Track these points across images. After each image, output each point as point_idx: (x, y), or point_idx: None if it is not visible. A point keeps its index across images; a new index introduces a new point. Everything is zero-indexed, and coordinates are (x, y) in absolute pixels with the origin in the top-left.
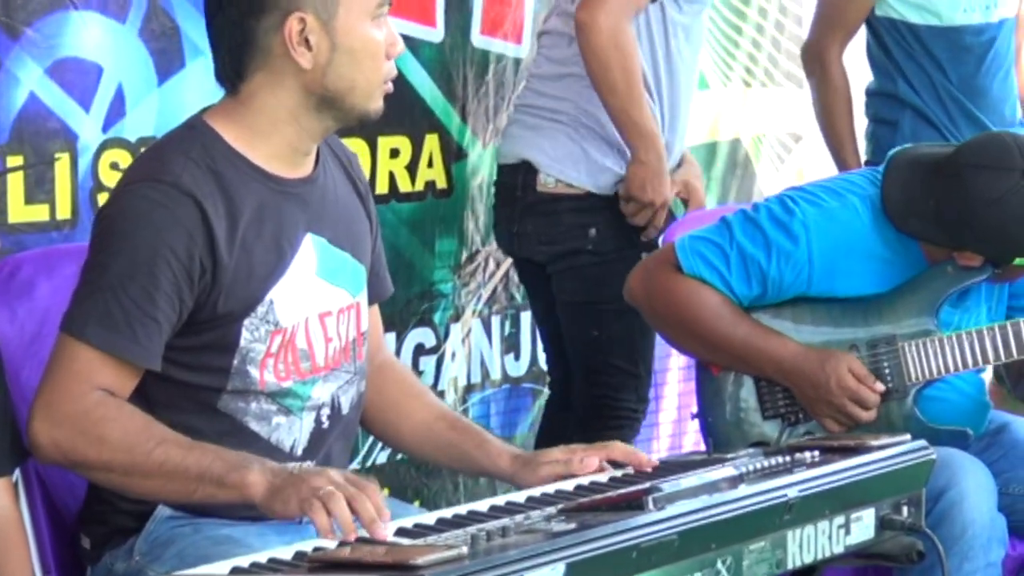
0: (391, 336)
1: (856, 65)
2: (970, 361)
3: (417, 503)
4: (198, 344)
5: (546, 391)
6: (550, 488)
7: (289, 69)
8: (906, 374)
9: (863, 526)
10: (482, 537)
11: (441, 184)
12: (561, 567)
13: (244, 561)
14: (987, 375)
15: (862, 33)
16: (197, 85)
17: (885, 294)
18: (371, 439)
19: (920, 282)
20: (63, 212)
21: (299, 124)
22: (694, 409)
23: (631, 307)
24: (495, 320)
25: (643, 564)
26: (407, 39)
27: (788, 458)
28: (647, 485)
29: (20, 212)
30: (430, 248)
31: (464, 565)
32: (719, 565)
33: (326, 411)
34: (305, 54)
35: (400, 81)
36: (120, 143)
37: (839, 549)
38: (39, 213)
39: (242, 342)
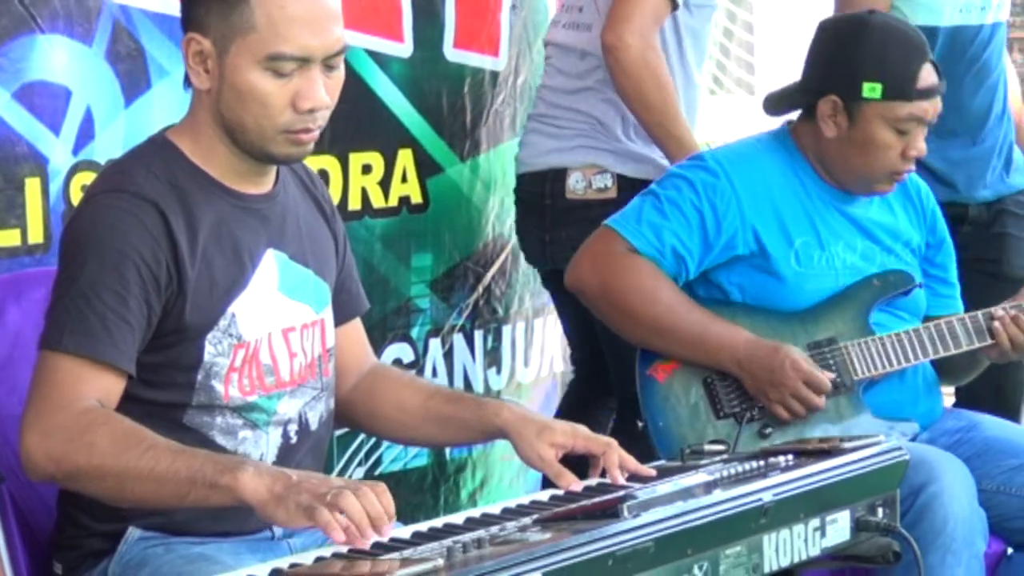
0: None
1: None
2: (911, 357)
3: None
4: (163, 360)
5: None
6: (525, 499)
7: (201, 88)
8: (852, 370)
9: (838, 528)
10: (458, 549)
11: (416, 199)
12: None
13: None
14: None
15: None
16: (163, 106)
17: (818, 305)
18: (348, 455)
19: (849, 294)
20: (35, 236)
21: (227, 147)
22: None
23: None
24: (477, 334)
25: (619, 572)
26: (374, 55)
27: (762, 462)
28: (621, 493)
29: None
30: (406, 263)
31: None
32: (696, 571)
33: (294, 427)
34: (201, 75)
35: (369, 97)
36: (90, 165)
37: (815, 552)
38: (10, 238)
39: (206, 356)
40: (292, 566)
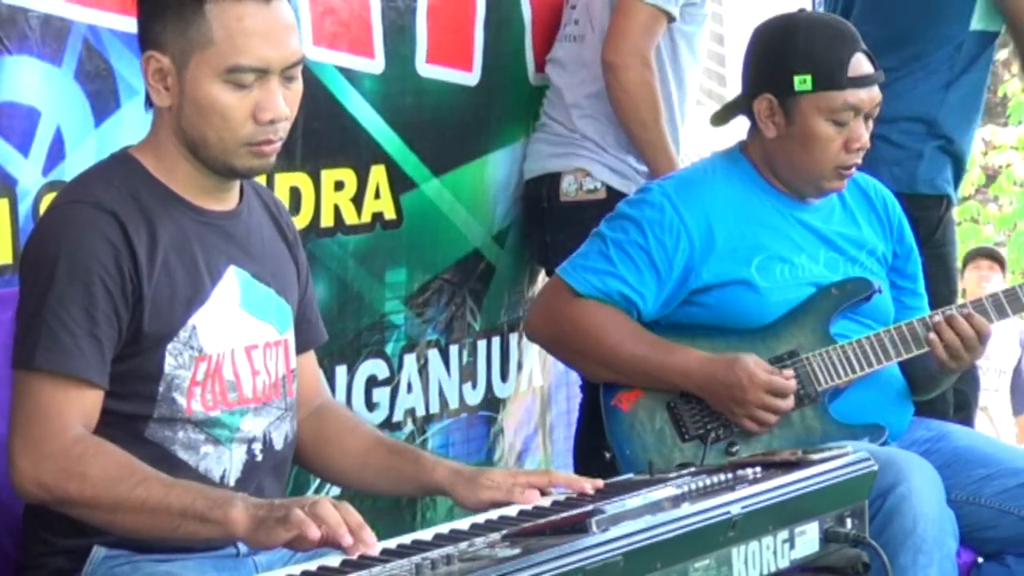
0: (342, 368)
1: None
2: (873, 361)
3: None
4: (125, 371)
5: (498, 417)
6: (493, 514)
7: (162, 105)
8: (815, 380)
9: (807, 540)
10: (427, 566)
11: (390, 215)
12: None
13: None
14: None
15: None
16: (133, 125)
17: (778, 320)
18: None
19: (808, 305)
20: (3, 257)
21: (189, 163)
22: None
23: None
24: (452, 349)
25: None
26: (345, 71)
27: (730, 475)
28: (590, 508)
29: None
30: (380, 279)
31: None
32: None
33: (258, 445)
34: (162, 92)
35: (341, 113)
36: (61, 186)
37: (784, 564)
38: None
39: (167, 368)
40: None
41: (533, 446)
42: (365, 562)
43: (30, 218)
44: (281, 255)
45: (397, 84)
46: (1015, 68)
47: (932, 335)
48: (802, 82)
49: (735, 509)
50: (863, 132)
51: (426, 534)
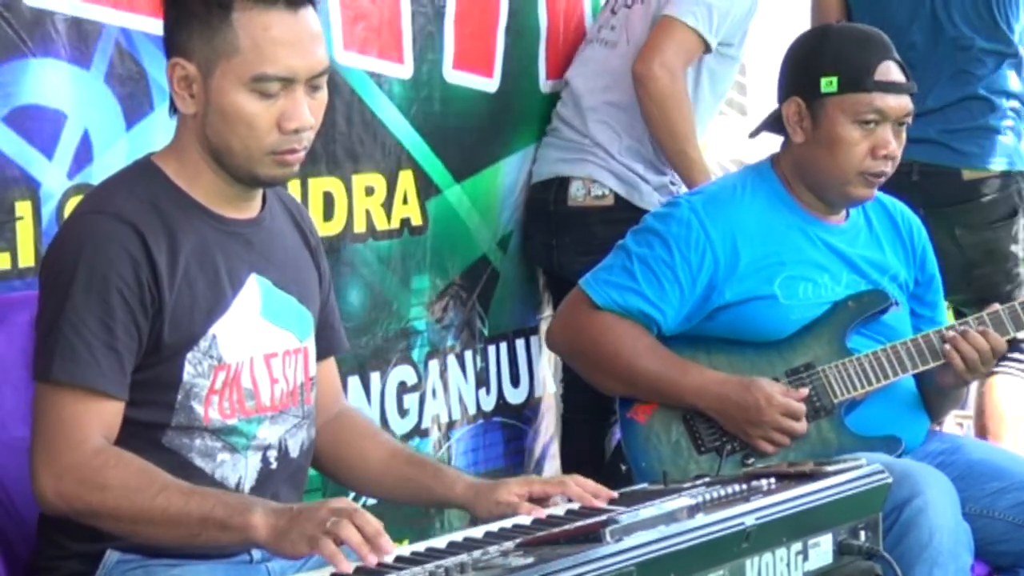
0: (375, 375)
1: None
2: (890, 373)
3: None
4: (143, 379)
5: (518, 424)
6: (507, 523)
7: (187, 112)
8: (831, 392)
9: (821, 552)
10: (440, 574)
11: (416, 221)
12: None
13: None
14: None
15: None
16: (166, 128)
17: (795, 333)
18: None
19: (825, 318)
20: (25, 260)
21: (212, 171)
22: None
23: None
24: (468, 355)
25: None
26: (376, 76)
27: (744, 486)
28: (604, 517)
29: None
30: (407, 285)
31: None
32: None
33: (273, 452)
34: (187, 100)
35: (371, 118)
36: (87, 189)
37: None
38: (1, 261)
39: (185, 376)
40: None
41: (550, 453)
42: (379, 570)
43: (54, 221)
44: (303, 262)
45: (424, 90)
46: None
47: (948, 347)
48: (828, 83)
49: (749, 520)
50: (890, 139)
51: (440, 542)
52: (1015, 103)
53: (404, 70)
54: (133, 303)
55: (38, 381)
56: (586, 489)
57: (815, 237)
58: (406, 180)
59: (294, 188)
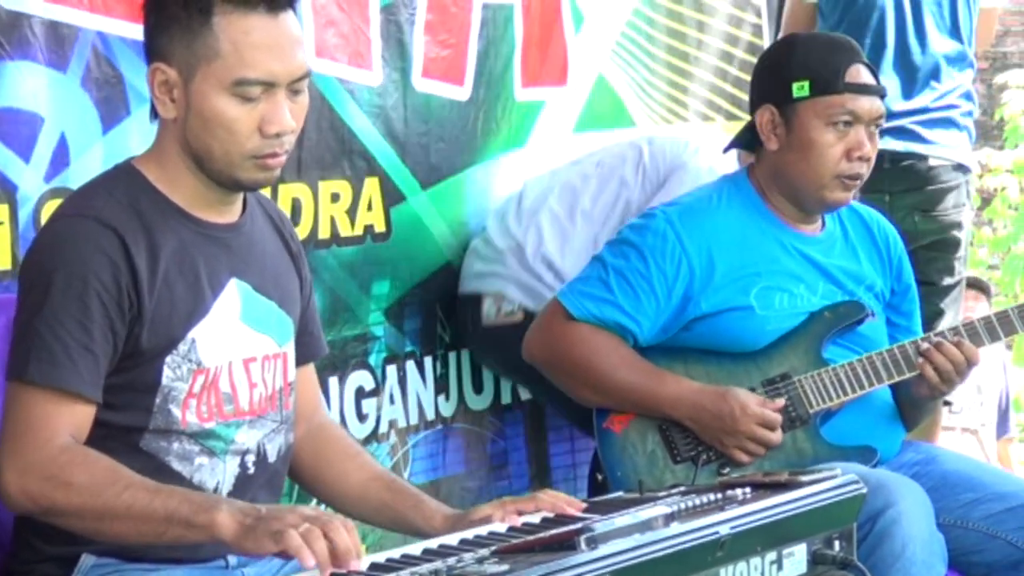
0: (334, 379)
1: None
2: (865, 383)
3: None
4: (122, 382)
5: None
6: (483, 530)
7: (168, 117)
8: (807, 403)
9: (795, 561)
10: None
11: (380, 228)
12: None
13: None
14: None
15: None
16: (142, 132)
17: (771, 344)
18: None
19: (801, 329)
20: (1, 263)
21: (193, 175)
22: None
23: None
24: (427, 361)
25: None
26: (345, 83)
27: (719, 495)
28: (579, 525)
29: None
30: (367, 291)
31: None
32: None
33: (251, 457)
34: (167, 104)
35: (339, 125)
36: (64, 193)
37: None
38: None
39: (164, 380)
40: None
41: (518, 460)
42: None
43: (31, 224)
44: (284, 267)
45: (393, 97)
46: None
47: (922, 359)
48: (800, 88)
49: (724, 529)
50: (864, 141)
51: (415, 548)
52: (969, 105)
53: (373, 77)
54: (111, 306)
55: (10, 380)
56: (559, 504)
57: (791, 247)
58: (372, 187)
59: (265, 194)
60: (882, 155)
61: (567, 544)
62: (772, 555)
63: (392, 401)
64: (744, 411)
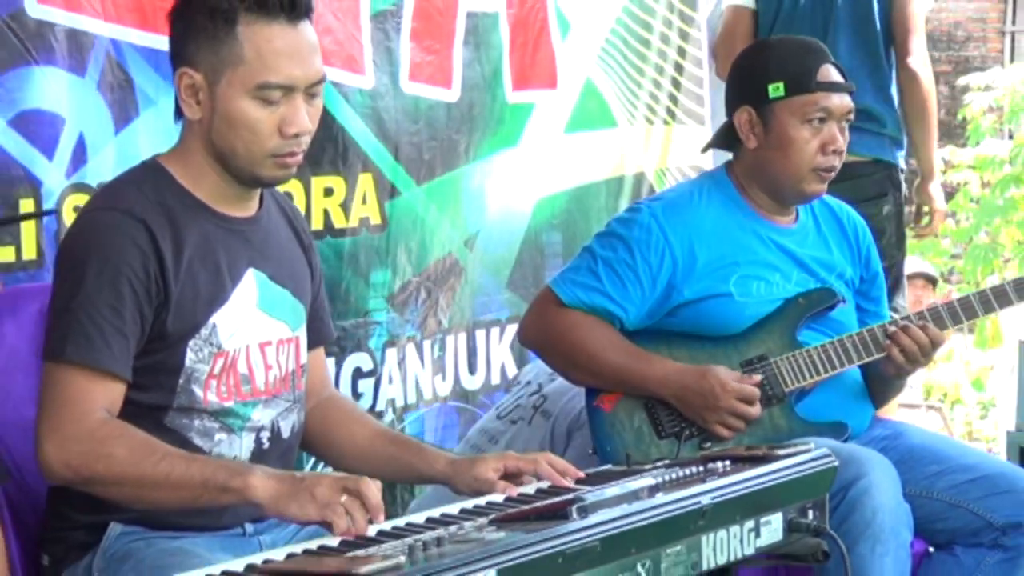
0: (330, 361)
1: None
2: (836, 364)
3: None
4: (148, 364)
5: (472, 408)
6: (482, 501)
7: (193, 118)
8: (782, 382)
9: (772, 529)
10: (419, 547)
11: (375, 220)
12: (492, 573)
13: (199, 574)
14: None
15: None
16: (149, 132)
17: (749, 328)
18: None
19: (777, 314)
20: (29, 253)
21: (216, 173)
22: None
23: None
24: (426, 344)
25: (568, 569)
26: (339, 86)
27: (701, 468)
28: (571, 496)
29: None
30: (365, 279)
31: (403, 574)
32: (639, 568)
33: (266, 434)
34: (193, 106)
35: (333, 125)
36: (83, 188)
37: (750, 551)
38: (6, 254)
39: (187, 362)
40: (265, 562)
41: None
42: (362, 541)
43: (54, 217)
44: (297, 258)
45: (384, 99)
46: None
47: (889, 341)
48: (776, 89)
49: (705, 499)
50: (837, 135)
51: (419, 517)
52: (890, 109)
53: (365, 80)
54: (140, 292)
55: (48, 360)
56: (556, 468)
57: (767, 238)
58: (366, 183)
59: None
60: None
61: (560, 513)
62: (750, 523)
63: (391, 381)
64: (724, 387)
